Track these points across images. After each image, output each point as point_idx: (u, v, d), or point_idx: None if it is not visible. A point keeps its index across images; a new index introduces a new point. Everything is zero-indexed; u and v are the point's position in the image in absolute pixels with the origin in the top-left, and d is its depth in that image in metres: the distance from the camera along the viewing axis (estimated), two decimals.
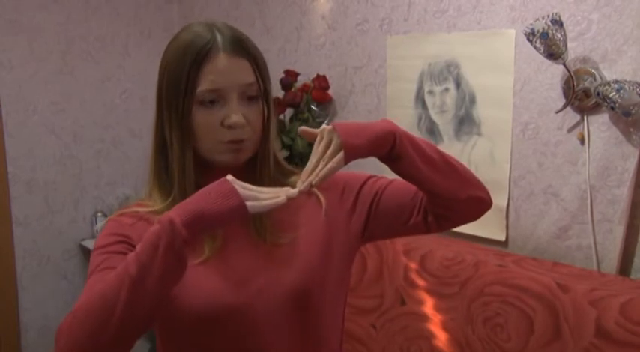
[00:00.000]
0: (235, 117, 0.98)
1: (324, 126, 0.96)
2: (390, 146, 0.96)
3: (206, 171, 1.04)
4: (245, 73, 1.00)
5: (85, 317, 0.84)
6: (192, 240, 0.85)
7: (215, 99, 0.99)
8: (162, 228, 0.84)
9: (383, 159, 0.99)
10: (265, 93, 1.04)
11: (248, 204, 0.87)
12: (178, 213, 0.85)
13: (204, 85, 0.98)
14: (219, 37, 0.99)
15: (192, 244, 0.86)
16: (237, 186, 0.87)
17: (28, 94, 2.89)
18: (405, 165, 0.98)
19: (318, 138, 0.95)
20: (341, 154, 0.92)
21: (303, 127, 0.99)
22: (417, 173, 1.00)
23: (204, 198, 0.87)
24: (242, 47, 1.00)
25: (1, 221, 2.87)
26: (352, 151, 0.93)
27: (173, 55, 1.00)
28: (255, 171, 1.07)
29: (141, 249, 0.85)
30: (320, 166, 0.92)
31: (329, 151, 0.93)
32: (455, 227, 1.11)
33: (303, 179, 0.92)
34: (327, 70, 2.48)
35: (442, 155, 1.03)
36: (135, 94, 3.21)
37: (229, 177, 0.89)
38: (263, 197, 0.88)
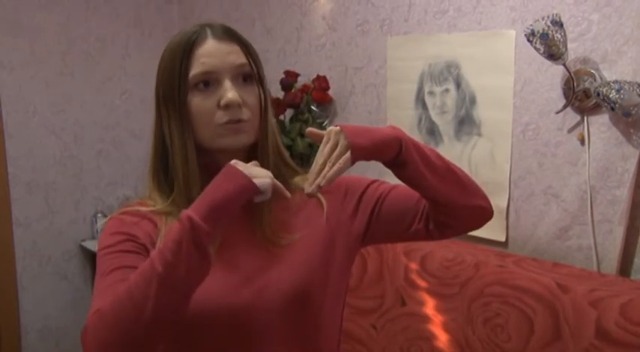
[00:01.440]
0: (230, 95, 0.99)
1: (331, 127, 0.95)
2: (396, 151, 0.96)
3: (210, 166, 1.04)
4: (236, 55, 1.01)
5: (115, 317, 0.85)
6: (214, 231, 0.87)
7: (209, 81, 1.00)
8: (182, 225, 0.86)
9: (388, 165, 0.99)
10: (259, 77, 1.05)
11: (256, 181, 0.89)
12: (194, 208, 0.87)
13: (196, 68, 0.99)
14: (207, 28, 1.02)
15: (214, 235, 0.88)
16: (242, 166, 0.90)
17: (28, 95, 2.89)
18: (409, 171, 0.99)
19: (324, 139, 0.95)
20: (347, 155, 0.92)
21: (311, 129, 0.99)
22: (421, 179, 1.00)
23: (214, 187, 0.90)
24: (231, 34, 1.03)
25: (1, 221, 2.87)
26: (359, 151, 0.93)
27: (166, 55, 1.03)
28: (256, 158, 1.06)
29: (164, 247, 0.86)
30: (327, 168, 0.92)
31: (336, 152, 0.93)
32: (456, 235, 1.10)
33: (311, 181, 0.92)
34: (328, 71, 2.48)
35: (446, 163, 1.04)
36: (135, 95, 3.21)
37: (233, 161, 0.92)
38: (271, 178, 0.92)
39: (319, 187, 0.91)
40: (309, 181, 0.92)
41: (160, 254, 0.85)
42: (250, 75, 1.03)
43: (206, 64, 0.99)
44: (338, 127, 0.94)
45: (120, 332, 0.84)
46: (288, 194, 0.95)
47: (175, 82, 1.00)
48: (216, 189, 0.89)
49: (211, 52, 1.00)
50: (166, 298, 0.85)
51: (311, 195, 0.92)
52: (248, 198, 0.90)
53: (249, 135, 1.03)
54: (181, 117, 1.01)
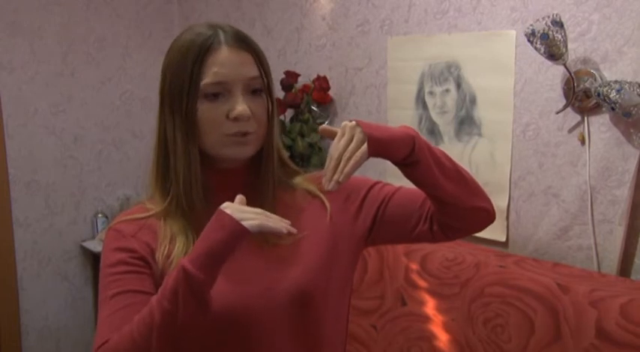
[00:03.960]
0: (240, 109, 0.98)
1: (345, 122, 0.95)
2: (409, 149, 0.96)
3: (211, 170, 1.04)
4: (248, 66, 1.01)
5: None
6: (210, 278, 0.89)
7: (220, 92, 0.99)
8: (177, 275, 0.88)
9: (399, 163, 0.98)
10: (268, 88, 1.04)
11: (246, 223, 0.89)
12: (190, 257, 0.89)
13: (208, 77, 0.98)
14: (221, 33, 1.00)
15: (212, 280, 0.90)
16: (231, 210, 0.90)
17: (28, 96, 2.89)
18: (421, 169, 0.98)
19: (339, 134, 0.94)
20: (364, 148, 0.92)
21: (324, 126, 0.98)
22: (431, 179, 0.99)
23: (207, 235, 0.90)
24: (244, 42, 1.02)
25: (1, 222, 2.87)
26: (375, 144, 0.92)
27: (175, 54, 1.01)
28: (259, 167, 1.07)
29: (162, 296, 0.89)
30: (343, 162, 0.91)
31: (352, 146, 0.92)
32: (460, 237, 1.10)
33: (329, 178, 0.91)
34: (328, 71, 2.48)
35: (454, 163, 1.04)
36: (135, 95, 3.21)
37: (223, 205, 0.91)
38: (261, 217, 0.91)
39: (338, 183, 0.91)
40: (326, 178, 0.92)
41: (159, 303, 0.89)
42: (260, 87, 1.03)
43: (219, 74, 0.98)
44: (353, 122, 0.94)
45: None
46: (283, 230, 0.93)
47: (185, 88, 0.99)
48: (209, 237, 0.90)
49: (224, 62, 0.98)
50: (167, 343, 0.89)
51: (331, 191, 0.92)
52: (241, 241, 0.90)
53: (254, 147, 1.03)
54: (187, 123, 1.00)
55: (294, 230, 0.92)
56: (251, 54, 1.01)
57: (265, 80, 1.03)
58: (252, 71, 1.01)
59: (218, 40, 0.99)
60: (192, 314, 0.89)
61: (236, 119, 0.99)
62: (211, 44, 0.98)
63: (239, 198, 0.94)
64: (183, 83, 0.99)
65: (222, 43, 0.99)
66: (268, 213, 0.92)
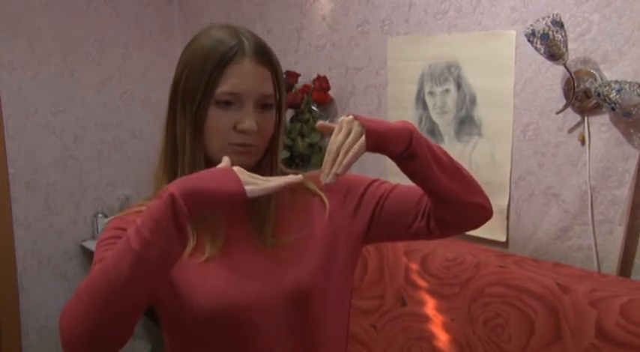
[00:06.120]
0: (248, 123, 0.99)
1: (342, 117, 0.95)
2: (406, 143, 0.96)
3: None
4: (266, 83, 1.02)
5: (88, 296, 0.84)
6: (190, 215, 0.85)
7: (232, 101, 1.00)
8: (163, 202, 0.83)
9: (397, 158, 0.99)
10: (279, 103, 1.06)
11: (247, 187, 0.88)
12: (178, 187, 0.84)
13: (224, 86, 0.99)
14: (245, 42, 1.01)
15: (189, 219, 0.86)
16: (240, 174, 0.89)
17: (28, 96, 2.89)
18: (418, 163, 0.98)
19: (336, 129, 0.94)
20: (362, 140, 0.92)
21: (322, 122, 0.98)
22: (428, 173, 1.00)
23: (205, 177, 0.88)
24: (267, 56, 1.03)
25: (1, 222, 2.87)
26: (373, 135, 0.92)
27: (197, 55, 1.01)
28: (259, 172, 1.07)
29: (142, 224, 0.84)
30: (341, 155, 0.91)
31: (350, 138, 0.92)
32: (457, 234, 1.11)
33: (327, 171, 0.91)
34: (328, 71, 2.48)
35: (451, 159, 1.04)
36: (135, 95, 3.21)
37: (236, 168, 0.91)
38: (265, 183, 0.90)
39: (336, 175, 0.90)
40: (324, 172, 0.91)
41: (138, 231, 0.83)
42: (272, 104, 1.04)
43: (236, 85, 0.99)
44: (351, 116, 0.94)
45: (92, 312, 0.83)
46: (282, 184, 0.92)
47: (200, 91, 1.00)
48: (207, 180, 0.87)
49: (244, 74, 0.99)
50: (138, 277, 0.83)
51: (328, 184, 0.91)
52: (232, 203, 0.88)
53: (254, 158, 1.04)
54: (196, 124, 1.01)
55: (297, 178, 0.92)
56: (270, 70, 1.03)
57: (278, 98, 1.05)
58: (268, 88, 1.02)
59: (242, 50, 1.00)
60: (170, 246, 0.84)
61: (242, 131, 1.00)
62: (235, 54, 0.99)
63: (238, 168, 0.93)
64: (198, 86, 1.00)
65: (246, 55, 1.00)
66: (275, 178, 0.92)
